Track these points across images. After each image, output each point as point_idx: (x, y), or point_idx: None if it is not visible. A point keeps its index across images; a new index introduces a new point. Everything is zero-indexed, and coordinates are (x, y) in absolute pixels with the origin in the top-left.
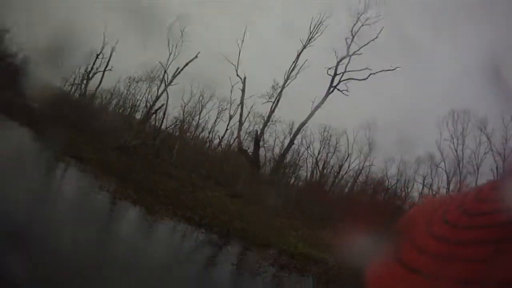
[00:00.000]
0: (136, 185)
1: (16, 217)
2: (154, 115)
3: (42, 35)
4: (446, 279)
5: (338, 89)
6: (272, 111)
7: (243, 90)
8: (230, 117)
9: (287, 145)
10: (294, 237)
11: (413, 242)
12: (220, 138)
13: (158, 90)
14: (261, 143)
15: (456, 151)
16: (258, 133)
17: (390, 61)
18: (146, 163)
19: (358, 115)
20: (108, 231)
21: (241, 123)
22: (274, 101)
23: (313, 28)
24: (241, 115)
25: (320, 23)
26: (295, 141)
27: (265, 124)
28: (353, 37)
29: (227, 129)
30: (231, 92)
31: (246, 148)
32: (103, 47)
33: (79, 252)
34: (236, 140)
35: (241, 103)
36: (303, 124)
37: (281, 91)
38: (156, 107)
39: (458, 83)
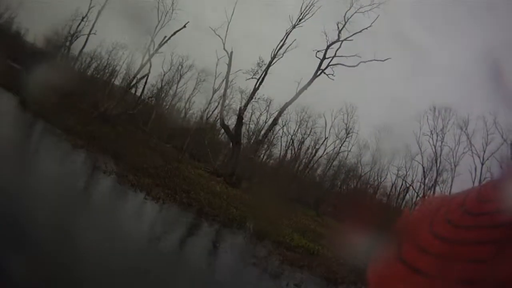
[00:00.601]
0: (128, 163)
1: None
2: (137, 84)
3: None
4: (448, 279)
5: (325, 73)
6: (256, 89)
7: (229, 65)
8: (214, 91)
9: (270, 125)
10: (287, 226)
11: (415, 241)
12: (202, 111)
13: (143, 58)
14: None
15: (434, 147)
16: (241, 109)
17: (380, 51)
18: (129, 134)
19: (338, 99)
20: (122, 226)
21: (225, 97)
22: (259, 78)
23: (304, 8)
24: (225, 89)
25: (312, 4)
26: (270, 119)
27: (248, 101)
28: (345, 22)
29: (210, 103)
30: (217, 65)
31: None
32: (89, 10)
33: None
34: (218, 114)
35: (226, 77)
36: (287, 104)
37: (267, 69)
38: (138, 75)
39: (447, 80)
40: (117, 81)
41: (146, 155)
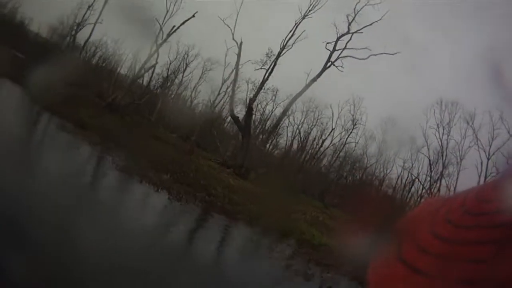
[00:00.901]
0: (144, 157)
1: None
2: (144, 74)
3: None
4: (448, 279)
5: (335, 65)
6: (265, 79)
7: (238, 55)
8: (224, 81)
9: (280, 116)
10: (304, 221)
11: (416, 241)
12: (211, 101)
13: (151, 48)
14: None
15: (440, 140)
16: (251, 100)
17: (389, 45)
18: (138, 126)
19: (345, 90)
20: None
21: (234, 88)
22: (268, 69)
23: None
24: (235, 80)
25: None
26: (276, 109)
27: (257, 92)
28: (355, 15)
29: (219, 93)
30: (226, 55)
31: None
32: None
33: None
34: (226, 105)
35: (236, 68)
36: (298, 95)
37: (276, 59)
38: (146, 65)
39: (454, 76)
40: (123, 71)
41: (159, 148)
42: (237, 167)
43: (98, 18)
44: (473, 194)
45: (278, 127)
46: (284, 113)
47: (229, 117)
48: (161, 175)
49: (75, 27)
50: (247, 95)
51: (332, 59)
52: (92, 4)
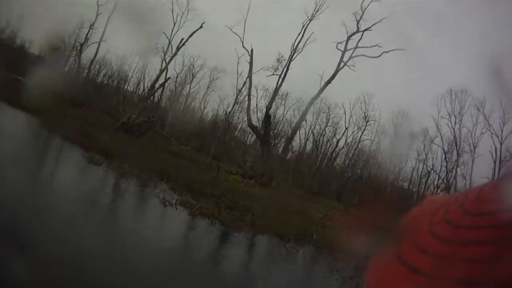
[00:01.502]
0: (177, 181)
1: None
2: (157, 90)
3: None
4: (448, 279)
5: (347, 65)
6: (279, 85)
7: (250, 63)
8: (238, 91)
9: (298, 121)
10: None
11: (415, 241)
12: (226, 112)
13: (162, 63)
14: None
15: (453, 129)
16: (268, 107)
17: (397, 40)
18: (156, 145)
19: (355, 87)
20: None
21: (250, 97)
22: (281, 75)
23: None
24: (249, 88)
25: None
26: (286, 112)
27: (273, 98)
28: (363, 13)
29: (235, 104)
30: (238, 64)
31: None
32: (96, 17)
33: None
34: (246, 115)
35: (249, 76)
36: (314, 99)
37: (288, 64)
38: (158, 81)
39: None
40: (130, 87)
41: (184, 166)
42: (258, 176)
43: (102, 37)
44: (473, 194)
45: (295, 133)
46: (302, 118)
47: (241, 126)
48: (201, 201)
49: (78, 47)
50: (257, 101)
51: (344, 59)
52: (93, 23)
